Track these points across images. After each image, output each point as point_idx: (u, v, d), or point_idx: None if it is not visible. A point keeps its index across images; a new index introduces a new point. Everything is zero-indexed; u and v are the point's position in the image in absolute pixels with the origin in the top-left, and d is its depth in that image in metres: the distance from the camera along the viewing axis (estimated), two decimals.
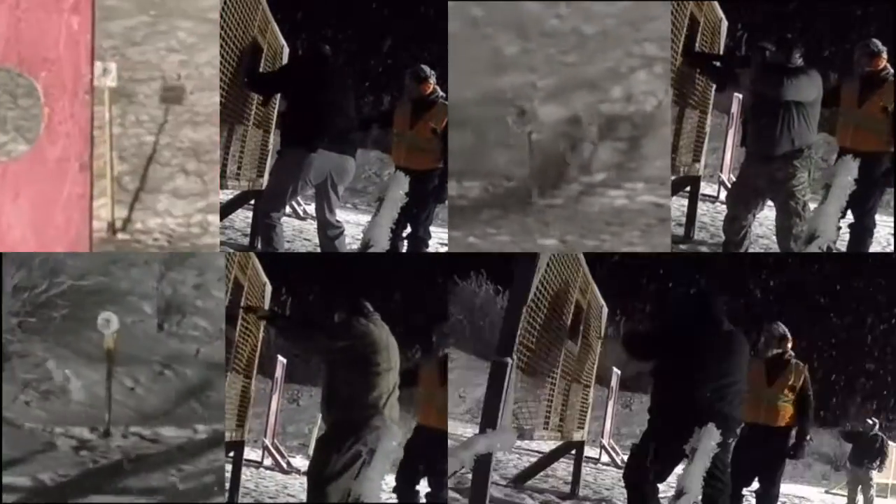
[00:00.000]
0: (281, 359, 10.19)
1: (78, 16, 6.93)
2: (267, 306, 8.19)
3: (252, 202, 8.70)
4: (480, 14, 6.76)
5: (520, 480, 9.32)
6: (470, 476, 7.00)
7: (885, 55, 7.71)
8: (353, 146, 7.90)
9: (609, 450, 11.53)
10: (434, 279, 12.38)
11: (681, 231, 8.82)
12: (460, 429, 10.32)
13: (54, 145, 6.95)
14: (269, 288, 8.30)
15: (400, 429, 6.53)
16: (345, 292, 6.66)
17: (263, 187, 8.38)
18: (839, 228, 7.59)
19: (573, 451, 9.31)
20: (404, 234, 8.07)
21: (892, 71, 7.71)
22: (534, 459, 9.85)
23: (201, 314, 8.84)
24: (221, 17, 7.36)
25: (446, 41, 6.80)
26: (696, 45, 8.17)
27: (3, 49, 6.92)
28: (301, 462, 10.07)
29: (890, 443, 11.27)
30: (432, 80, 8.02)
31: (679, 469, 6.67)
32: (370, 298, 6.49)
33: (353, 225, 9.15)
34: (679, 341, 6.61)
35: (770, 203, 7.67)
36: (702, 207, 9.30)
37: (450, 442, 7.69)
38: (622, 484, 6.92)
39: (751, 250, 7.83)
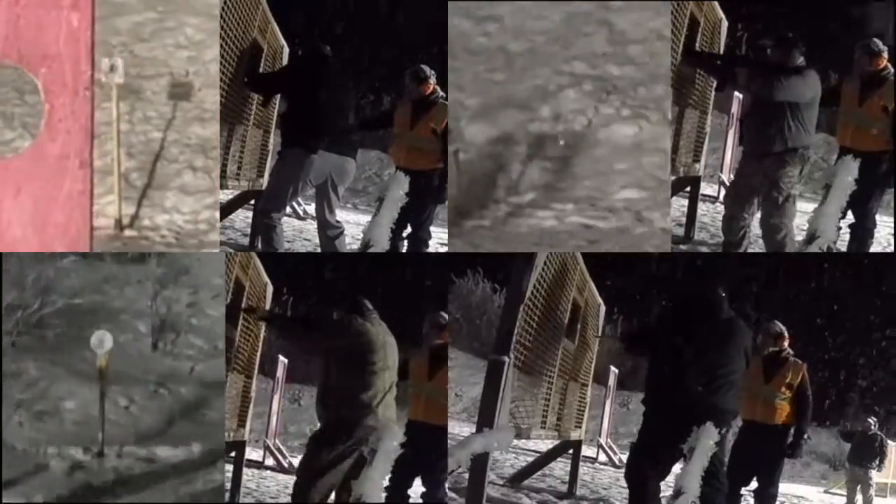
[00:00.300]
0: (282, 359, 10.19)
1: (77, 12, 6.94)
2: (268, 306, 8.20)
3: (252, 202, 8.71)
4: None
5: (517, 480, 9.29)
6: (467, 475, 7.01)
7: (885, 55, 7.72)
8: (353, 147, 7.92)
9: (606, 449, 11.52)
10: (431, 278, 12.40)
11: (681, 231, 8.82)
12: (457, 428, 10.30)
13: (54, 142, 6.96)
14: (270, 288, 8.31)
15: (401, 428, 6.54)
16: (344, 291, 6.65)
17: (263, 187, 8.40)
18: (839, 228, 7.59)
19: (570, 451, 9.28)
20: (404, 234, 8.07)
21: (892, 70, 7.71)
22: (531, 459, 9.83)
23: (196, 332, 8.79)
24: (221, 16, 7.36)
25: (446, 41, 6.82)
26: (696, 44, 8.18)
27: (2, 46, 6.93)
28: None
29: (889, 442, 11.26)
30: (432, 81, 8.03)
31: (677, 468, 6.68)
32: (370, 298, 6.50)
33: (353, 225, 9.15)
34: (678, 329, 6.55)
35: None
36: (702, 208, 9.30)
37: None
38: (620, 483, 6.92)
39: (750, 250, 7.83)
